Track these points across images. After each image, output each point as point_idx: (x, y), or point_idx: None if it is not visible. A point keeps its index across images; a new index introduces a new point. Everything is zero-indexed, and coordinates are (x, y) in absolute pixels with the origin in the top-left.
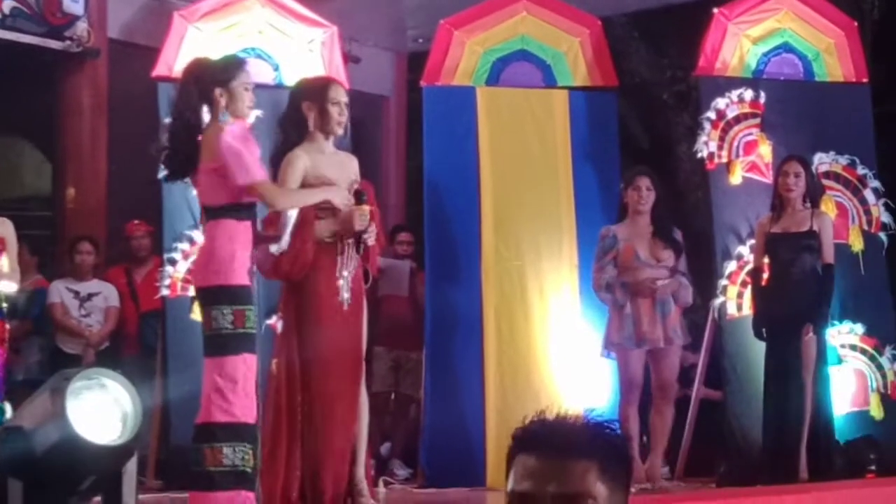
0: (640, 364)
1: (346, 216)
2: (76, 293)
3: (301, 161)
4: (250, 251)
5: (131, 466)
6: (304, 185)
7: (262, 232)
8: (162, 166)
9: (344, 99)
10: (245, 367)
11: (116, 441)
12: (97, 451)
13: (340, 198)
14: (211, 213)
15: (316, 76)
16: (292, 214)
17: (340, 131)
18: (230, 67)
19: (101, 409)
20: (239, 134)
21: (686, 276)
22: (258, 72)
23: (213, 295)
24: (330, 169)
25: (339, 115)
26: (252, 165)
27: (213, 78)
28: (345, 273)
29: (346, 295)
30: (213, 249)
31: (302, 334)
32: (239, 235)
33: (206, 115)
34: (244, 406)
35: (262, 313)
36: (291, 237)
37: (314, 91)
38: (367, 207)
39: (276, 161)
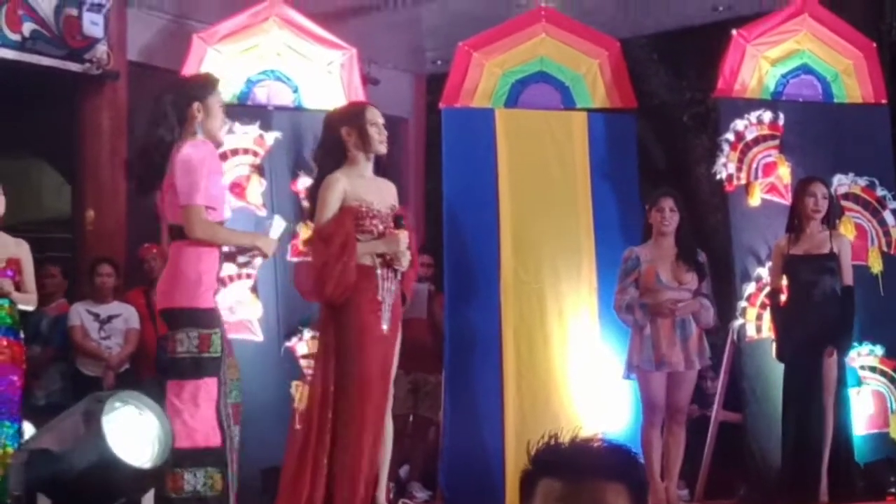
0: (662, 386)
1: (392, 238)
2: (96, 315)
3: (340, 184)
4: (217, 273)
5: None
6: (345, 208)
7: (229, 251)
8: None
9: (381, 120)
10: (206, 391)
11: (148, 464)
12: (132, 473)
13: (269, 248)
14: (177, 233)
15: (352, 102)
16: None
17: (384, 149)
18: (208, 84)
19: (133, 432)
20: (200, 154)
21: (708, 299)
22: (277, 94)
23: (179, 317)
24: (370, 194)
25: (380, 135)
26: (195, 187)
27: (191, 93)
28: (386, 296)
29: (387, 318)
30: (180, 271)
31: (341, 356)
32: (205, 256)
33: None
34: (206, 430)
35: (281, 336)
36: (333, 259)
37: (352, 115)
38: (405, 232)
39: (315, 188)
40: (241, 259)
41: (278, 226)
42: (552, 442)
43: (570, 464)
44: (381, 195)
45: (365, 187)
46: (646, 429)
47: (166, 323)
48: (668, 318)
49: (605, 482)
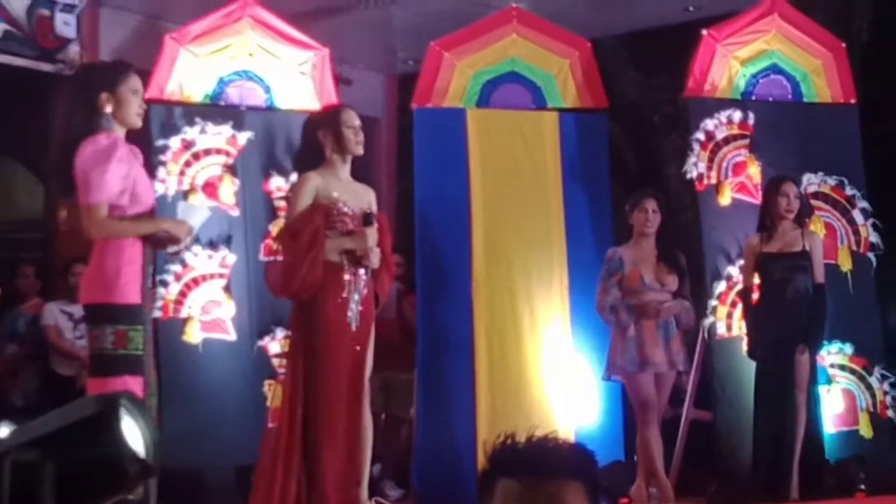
0: (651, 385)
1: (360, 235)
2: (70, 315)
3: (312, 182)
4: (141, 267)
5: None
6: (315, 204)
7: (159, 247)
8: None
9: (357, 122)
10: (125, 390)
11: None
12: (138, 472)
13: (179, 229)
14: None
15: (326, 105)
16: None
17: (360, 151)
18: (116, 70)
19: (130, 435)
20: (99, 149)
21: (688, 300)
22: (250, 94)
23: (96, 313)
24: (343, 193)
25: (356, 137)
26: (93, 185)
27: (97, 82)
28: (354, 294)
29: (354, 315)
30: (100, 265)
31: (308, 354)
32: (126, 250)
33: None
34: None
35: (253, 335)
36: (301, 255)
37: (328, 118)
38: (373, 229)
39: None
40: (170, 249)
41: (197, 211)
42: (509, 441)
43: (527, 463)
44: (355, 196)
45: (339, 187)
46: (641, 429)
47: (87, 318)
48: (652, 319)
49: (563, 481)
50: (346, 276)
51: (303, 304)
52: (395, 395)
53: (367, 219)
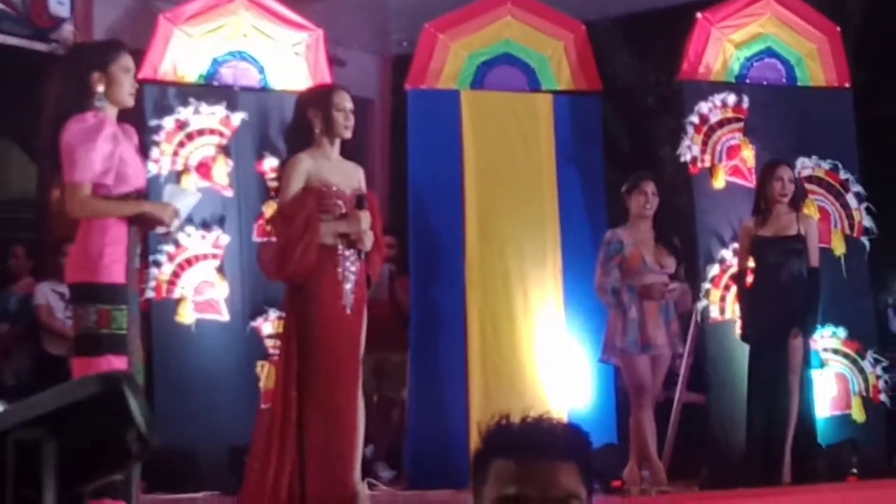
0: (648, 368)
1: (354, 218)
2: (61, 294)
3: (304, 164)
4: (126, 246)
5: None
6: (308, 188)
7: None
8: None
9: (349, 105)
10: (110, 369)
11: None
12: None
13: (163, 212)
14: None
15: (320, 84)
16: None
17: (348, 134)
18: (108, 49)
19: (134, 414)
20: (85, 127)
21: (685, 282)
22: (243, 75)
23: (80, 292)
24: (334, 175)
25: (345, 120)
26: (77, 163)
27: (89, 61)
28: (348, 276)
29: (348, 298)
30: (84, 245)
31: (302, 336)
32: (110, 230)
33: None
34: None
35: (246, 316)
36: (295, 239)
37: (319, 98)
38: (367, 212)
39: (283, 168)
40: (159, 230)
41: (185, 195)
42: (503, 422)
43: (521, 444)
44: (346, 177)
45: (329, 169)
46: (636, 412)
47: (72, 297)
48: (658, 300)
49: (557, 461)
50: (341, 259)
51: (297, 286)
52: (388, 377)
53: (359, 201)
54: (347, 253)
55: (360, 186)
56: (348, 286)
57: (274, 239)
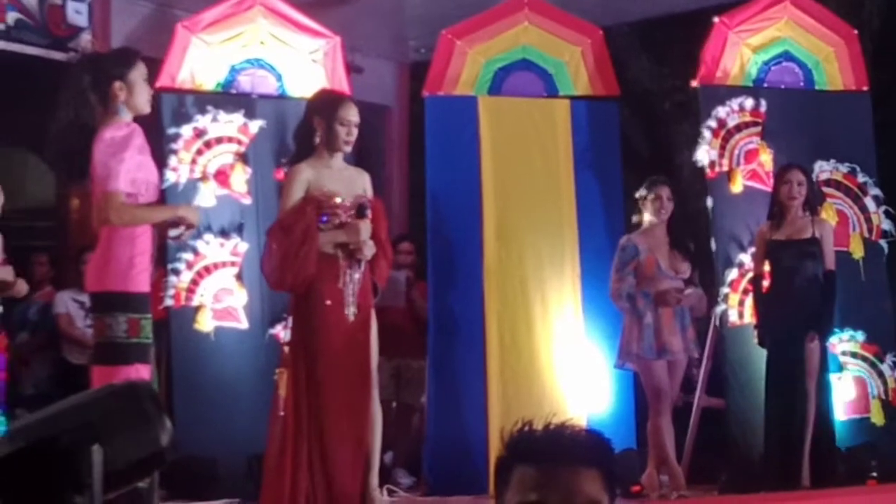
0: (665, 373)
1: (353, 228)
2: (81, 303)
3: (304, 174)
4: (151, 256)
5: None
6: (308, 197)
7: (164, 231)
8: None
9: (355, 119)
10: (137, 378)
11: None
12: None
13: (194, 215)
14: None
15: (332, 91)
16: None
17: (347, 150)
18: (127, 59)
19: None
20: (117, 138)
21: (699, 288)
22: (261, 82)
23: (108, 301)
24: (335, 183)
25: (347, 136)
26: (110, 173)
27: (109, 71)
28: (350, 285)
29: (350, 307)
30: (110, 254)
31: (307, 345)
32: (138, 239)
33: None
34: None
35: (265, 323)
36: (294, 249)
37: (325, 107)
38: (367, 221)
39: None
40: (172, 233)
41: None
42: (526, 428)
43: (544, 450)
44: (349, 185)
45: (330, 177)
46: (654, 418)
47: (95, 306)
48: (673, 306)
49: (580, 468)
50: (342, 268)
51: (300, 295)
52: (407, 383)
53: (360, 210)
54: (348, 261)
55: (365, 193)
56: (351, 294)
57: (274, 248)
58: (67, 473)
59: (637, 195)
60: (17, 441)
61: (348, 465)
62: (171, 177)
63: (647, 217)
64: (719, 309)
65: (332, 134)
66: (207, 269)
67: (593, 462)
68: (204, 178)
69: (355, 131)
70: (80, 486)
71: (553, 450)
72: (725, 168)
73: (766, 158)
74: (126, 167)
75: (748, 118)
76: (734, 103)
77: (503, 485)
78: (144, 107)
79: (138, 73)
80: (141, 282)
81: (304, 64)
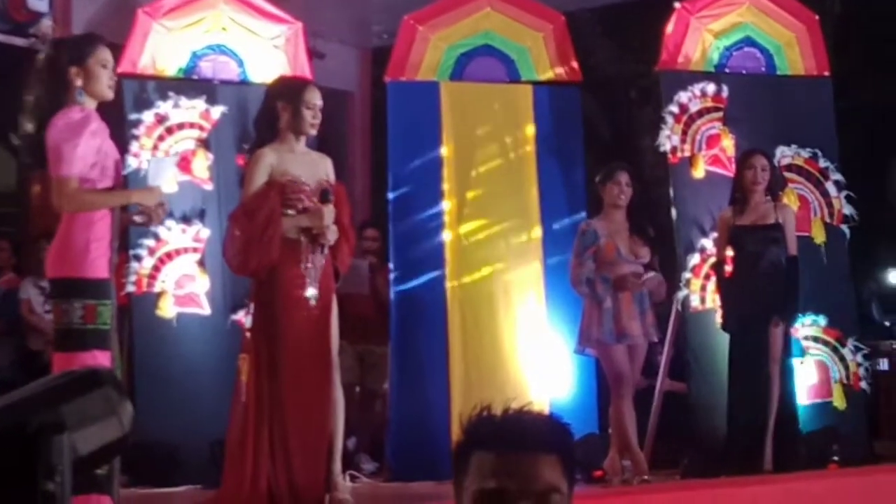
0: (625, 357)
1: (316, 213)
2: (42, 289)
3: (267, 159)
4: (109, 241)
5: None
6: (271, 182)
7: (132, 218)
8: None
9: (319, 103)
10: (94, 364)
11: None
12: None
13: (150, 199)
14: None
15: (293, 77)
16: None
17: (313, 133)
18: (84, 44)
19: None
20: (71, 122)
21: (659, 272)
22: (223, 68)
23: (64, 287)
24: (298, 167)
25: (313, 118)
26: (65, 158)
27: (67, 57)
28: (311, 270)
29: (312, 291)
30: (68, 239)
31: (269, 330)
32: (95, 225)
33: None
34: None
35: (227, 309)
36: (258, 234)
37: (290, 92)
38: (330, 206)
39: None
40: (137, 219)
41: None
42: (485, 414)
43: (503, 436)
44: (312, 170)
45: (294, 162)
46: (616, 402)
47: (53, 292)
48: (633, 291)
49: (539, 454)
50: (304, 253)
51: (262, 280)
52: (371, 369)
53: (323, 195)
54: (311, 246)
55: (328, 178)
56: (312, 279)
57: (237, 233)
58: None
59: (596, 180)
60: None
61: (310, 450)
62: (132, 162)
63: (606, 202)
64: (681, 294)
65: (299, 117)
66: (169, 255)
67: (552, 448)
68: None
69: (319, 115)
70: (51, 472)
71: (512, 436)
72: (687, 153)
73: (728, 144)
74: (80, 152)
75: (710, 103)
76: (696, 88)
77: (462, 471)
78: (105, 93)
79: (97, 58)
80: (98, 267)
81: (266, 50)
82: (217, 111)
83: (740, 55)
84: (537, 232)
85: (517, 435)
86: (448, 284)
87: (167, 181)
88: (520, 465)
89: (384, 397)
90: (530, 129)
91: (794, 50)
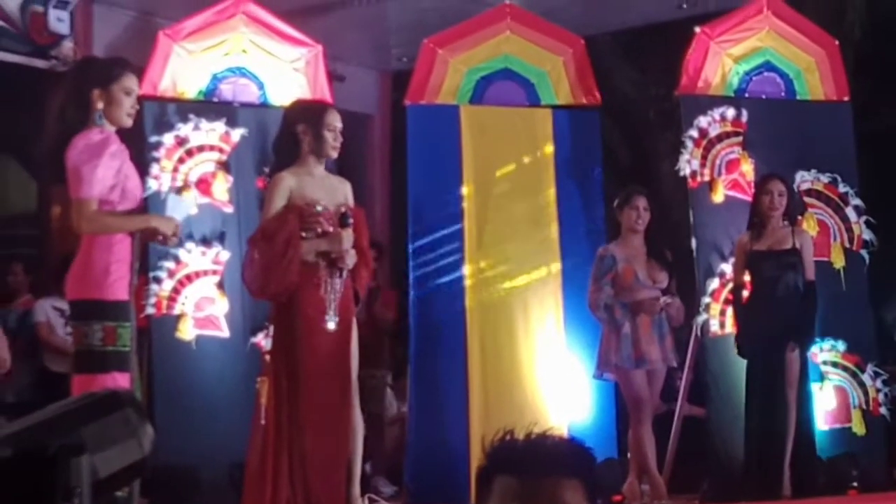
0: (644, 382)
1: (335, 237)
2: (61, 311)
3: (286, 182)
4: (129, 263)
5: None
6: (290, 205)
7: (147, 239)
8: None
9: (339, 125)
10: (114, 386)
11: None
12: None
13: (168, 227)
14: None
15: (313, 100)
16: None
17: (335, 155)
18: (111, 69)
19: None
20: (91, 144)
21: (677, 297)
22: (243, 91)
23: (84, 309)
24: (318, 191)
25: (335, 141)
26: (84, 180)
27: (91, 78)
28: (331, 293)
29: (332, 315)
30: (88, 261)
31: (288, 353)
32: (115, 247)
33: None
34: None
35: (247, 332)
36: (277, 258)
37: (311, 115)
38: (349, 231)
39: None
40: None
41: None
42: (507, 438)
43: (526, 461)
44: (331, 194)
45: (312, 185)
46: (635, 427)
47: (73, 314)
48: (652, 315)
49: (562, 479)
50: (323, 277)
51: (281, 304)
52: (372, 392)
53: (342, 219)
54: (330, 270)
55: (347, 201)
56: (331, 303)
57: (256, 257)
58: (56, 482)
59: (614, 204)
60: (3, 449)
61: (329, 473)
62: (152, 185)
63: (624, 226)
64: (701, 318)
65: (321, 140)
66: (189, 278)
67: (575, 472)
68: (185, 186)
69: (340, 137)
70: (70, 494)
71: (534, 460)
72: (707, 178)
73: (748, 168)
74: (100, 174)
75: (729, 128)
76: (716, 113)
77: (484, 495)
78: (123, 120)
79: (121, 85)
80: (118, 289)
81: (286, 73)
82: (237, 134)
83: (760, 80)
84: (556, 255)
85: (539, 459)
86: (467, 307)
87: (185, 208)
88: (542, 489)
89: (402, 421)
90: (550, 153)
91: (813, 75)
